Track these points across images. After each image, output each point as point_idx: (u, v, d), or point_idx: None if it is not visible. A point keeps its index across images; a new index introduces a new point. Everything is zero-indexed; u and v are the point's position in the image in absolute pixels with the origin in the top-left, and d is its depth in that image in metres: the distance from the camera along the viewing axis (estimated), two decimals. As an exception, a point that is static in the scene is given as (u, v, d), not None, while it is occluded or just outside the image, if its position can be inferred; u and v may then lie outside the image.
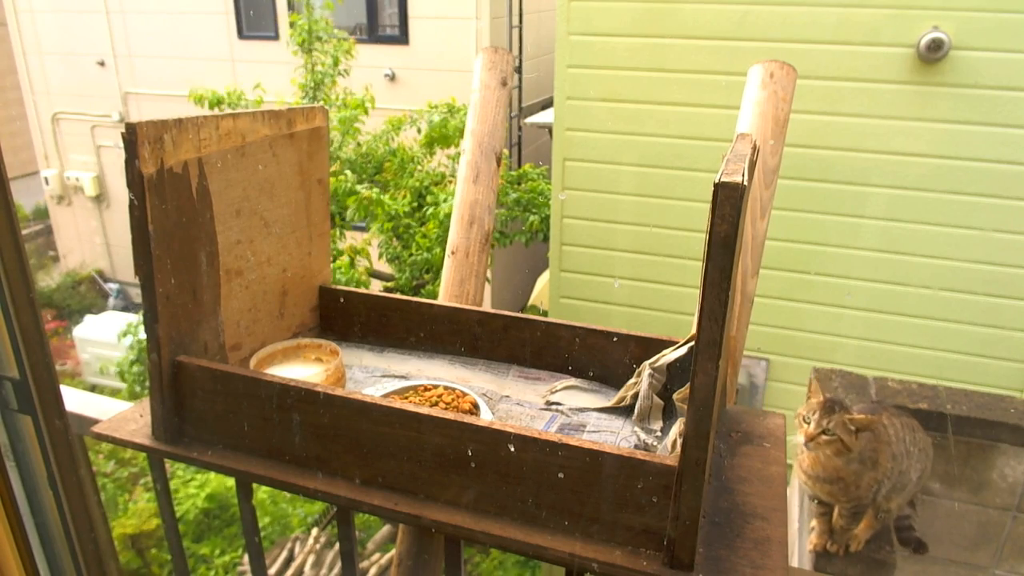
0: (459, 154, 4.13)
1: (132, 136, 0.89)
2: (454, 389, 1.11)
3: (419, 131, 4.99)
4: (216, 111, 4.90)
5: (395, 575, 1.25)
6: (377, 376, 1.21)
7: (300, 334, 1.29)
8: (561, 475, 0.84)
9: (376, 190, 4.29)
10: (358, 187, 4.22)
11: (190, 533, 4.24)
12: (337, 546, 3.23)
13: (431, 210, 4.34)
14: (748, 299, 1.20)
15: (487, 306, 1.37)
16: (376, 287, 4.77)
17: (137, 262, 0.94)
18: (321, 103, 4.97)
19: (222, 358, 1.12)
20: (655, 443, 1.02)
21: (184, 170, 0.98)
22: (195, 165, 0.99)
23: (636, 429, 1.05)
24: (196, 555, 4.12)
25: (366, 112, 4.80)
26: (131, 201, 0.91)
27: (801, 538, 1.97)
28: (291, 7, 4.94)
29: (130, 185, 0.91)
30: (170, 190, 0.96)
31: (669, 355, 1.08)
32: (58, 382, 1.00)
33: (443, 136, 4.82)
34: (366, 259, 4.56)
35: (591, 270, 3.63)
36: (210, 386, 1.00)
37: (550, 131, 4.30)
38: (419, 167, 4.91)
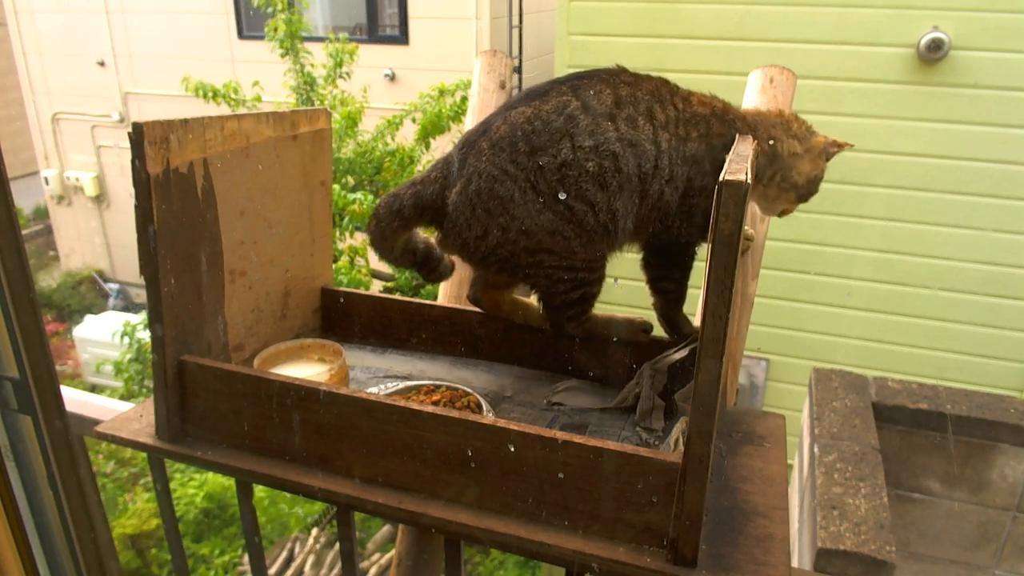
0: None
1: (138, 136, 0.89)
2: (456, 389, 1.11)
3: (414, 120, 4.99)
4: (212, 104, 4.89)
5: (395, 575, 1.25)
6: (379, 377, 1.22)
7: (302, 335, 1.29)
8: (563, 473, 0.84)
9: (371, 196, 4.29)
10: (351, 196, 4.21)
11: (190, 533, 4.24)
12: (337, 546, 3.23)
13: None
14: (748, 301, 1.21)
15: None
16: (376, 287, 4.77)
17: (142, 262, 0.94)
18: (317, 103, 4.97)
19: (225, 358, 1.12)
20: (656, 443, 1.02)
21: (189, 170, 0.98)
22: (200, 166, 1.00)
23: (638, 429, 1.06)
24: (196, 555, 4.12)
25: (355, 125, 4.81)
26: (136, 201, 0.92)
27: (801, 538, 1.98)
28: (289, 7, 4.93)
29: (136, 185, 0.91)
30: (175, 190, 0.96)
31: (671, 356, 1.08)
32: (58, 382, 1.00)
33: (436, 125, 4.82)
34: (364, 259, 4.56)
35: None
36: (214, 385, 1.00)
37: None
38: (417, 165, 4.91)
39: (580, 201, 1.00)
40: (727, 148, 0.99)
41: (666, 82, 1.08)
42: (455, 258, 1.20)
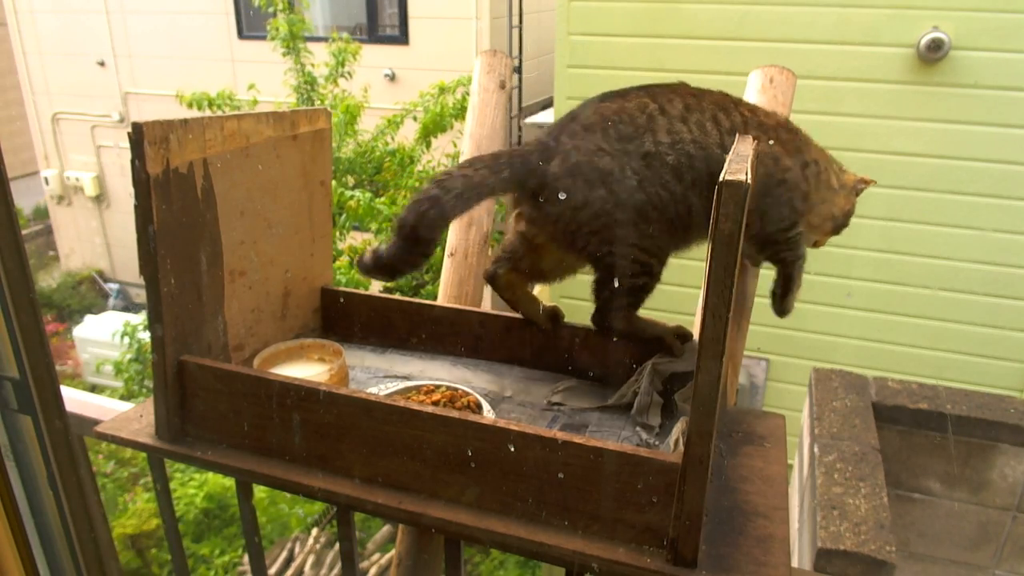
0: (458, 153, 4.14)
1: (138, 136, 0.89)
2: (456, 389, 1.11)
3: (415, 119, 4.99)
4: (209, 112, 4.92)
5: (395, 575, 1.25)
6: (379, 377, 1.22)
7: (302, 335, 1.29)
8: (563, 473, 0.84)
9: (369, 195, 4.29)
10: (348, 193, 4.21)
11: (190, 533, 4.24)
12: (337, 546, 3.23)
13: None
14: (748, 301, 1.21)
15: (485, 307, 1.38)
16: (376, 287, 4.78)
17: (142, 262, 0.94)
18: (318, 102, 4.97)
19: (225, 358, 1.12)
20: (655, 442, 1.02)
21: (189, 170, 0.98)
22: (200, 166, 1.00)
23: (637, 429, 1.06)
24: (196, 555, 4.12)
25: (354, 120, 4.81)
26: (136, 201, 0.92)
27: (801, 538, 1.98)
28: (290, 7, 4.95)
29: (135, 185, 0.91)
30: (175, 190, 0.96)
31: (675, 366, 1.09)
32: (58, 382, 1.00)
33: (438, 124, 4.83)
34: None
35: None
36: (214, 385, 1.00)
37: (550, 131, 4.29)
38: (418, 165, 4.90)
39: (663, 189, 1.06)
40: (799, 152, 1.10)
41: (727, 95, 1.14)
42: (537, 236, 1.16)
